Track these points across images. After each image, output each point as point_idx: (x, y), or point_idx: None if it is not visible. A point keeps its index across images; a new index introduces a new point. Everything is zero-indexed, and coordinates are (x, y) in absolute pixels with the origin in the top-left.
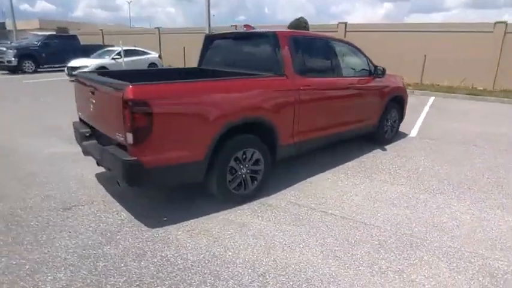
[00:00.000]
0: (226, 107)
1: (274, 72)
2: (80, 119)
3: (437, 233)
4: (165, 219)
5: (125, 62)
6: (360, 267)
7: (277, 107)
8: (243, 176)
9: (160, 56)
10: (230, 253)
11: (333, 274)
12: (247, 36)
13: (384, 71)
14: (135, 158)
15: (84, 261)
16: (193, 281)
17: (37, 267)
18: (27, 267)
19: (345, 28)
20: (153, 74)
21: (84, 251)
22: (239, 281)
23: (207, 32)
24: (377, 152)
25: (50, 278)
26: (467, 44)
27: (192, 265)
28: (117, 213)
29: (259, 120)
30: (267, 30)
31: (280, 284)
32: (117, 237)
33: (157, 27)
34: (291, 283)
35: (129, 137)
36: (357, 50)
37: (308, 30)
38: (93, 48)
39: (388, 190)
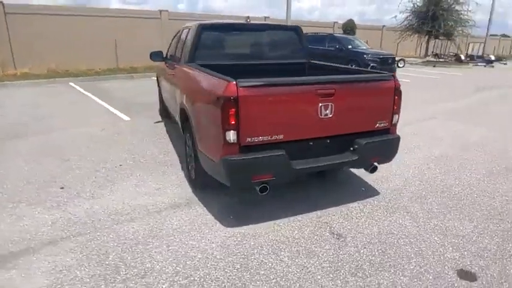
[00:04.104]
0: None
1: (305, 60)
2: (261, 143)
3: None
4: (363, 189)
5: None
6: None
7: None
8: None
9: None
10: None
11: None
12: (268, 28)
13: None
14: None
15: None
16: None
17: None
18: None
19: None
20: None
21: None
22: None
23: None
24: None
25: None
26: (144, 28)
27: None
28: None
29: None
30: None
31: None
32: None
33: None
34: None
35: (396, 118)
36: None
37: None
38: None
39: None
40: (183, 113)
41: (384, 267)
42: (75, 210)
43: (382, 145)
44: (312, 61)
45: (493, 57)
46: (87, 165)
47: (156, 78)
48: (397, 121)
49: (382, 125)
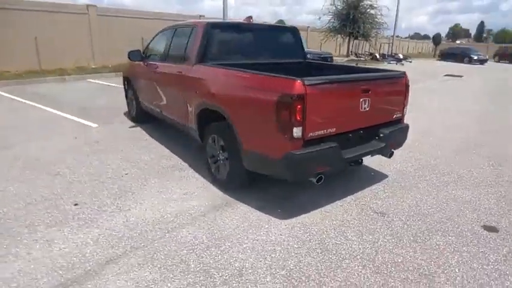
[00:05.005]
0: None
1: (302, 59)
2: (317, 137)
3: None
4: (372, 174)
5: None
6: None
7: None
8: None
9: None
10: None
11: None
12: (270, 28)
13: None
14: None
15: None
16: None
17: None
18: None
19: None
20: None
21: None
22: None
23: None
24: None
25: None
26: (70, 24)
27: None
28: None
29: None
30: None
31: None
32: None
33: None
34: None
35: (405, 109)
36: None
37: None
38: None
39: None
40: (207, 114)
41: (432, 232)
42: (111, 225)
43: (400, 133)
44: (307, 60)
45: (401, 56)
46: (85, 177)
47: (124, 81)
48: (406, 112)
49: (397, 115)
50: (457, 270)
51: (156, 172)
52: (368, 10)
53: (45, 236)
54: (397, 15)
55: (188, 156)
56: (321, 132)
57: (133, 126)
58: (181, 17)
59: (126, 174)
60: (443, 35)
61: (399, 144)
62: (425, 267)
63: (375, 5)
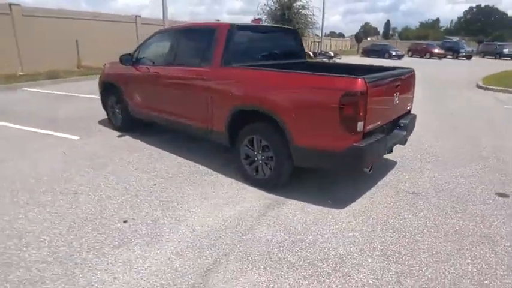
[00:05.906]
0: None
1: (304, 59)
2: (363, 134)
3: None
4: (383, 160)
5: None
6: None
7: None
8: None
9: None
10: None
11: None
12: (276, 30)
13: None
14: None
15: None
16: None
17: None
18: None
19: None
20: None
21: None
22: None
23: None
24: None
25: None
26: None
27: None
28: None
29: None
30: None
31: None
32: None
33: None
34: None
35: (413, 101)
36: None
37: None
38: None
39: None
40: (243, 116)
41: (463, 203)
42: (181, 237)
43: (413, 122)
44: (307, 60)
45: (332, 54)
46: (113, 193)
47: (101, 88)
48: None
49: (409, 107)
50: (503, 230)
51: (185, 180)
52: (300, 10)
53: (118, 258)
54: (323, 15)
55: (204, 160)
56: (373, 125)
57: (121, 136)
58: (120, 18)
59: (155, 185)
60: (355, 33)
61: (411, 131)
62: (480, 231)
63: (307, 6)
